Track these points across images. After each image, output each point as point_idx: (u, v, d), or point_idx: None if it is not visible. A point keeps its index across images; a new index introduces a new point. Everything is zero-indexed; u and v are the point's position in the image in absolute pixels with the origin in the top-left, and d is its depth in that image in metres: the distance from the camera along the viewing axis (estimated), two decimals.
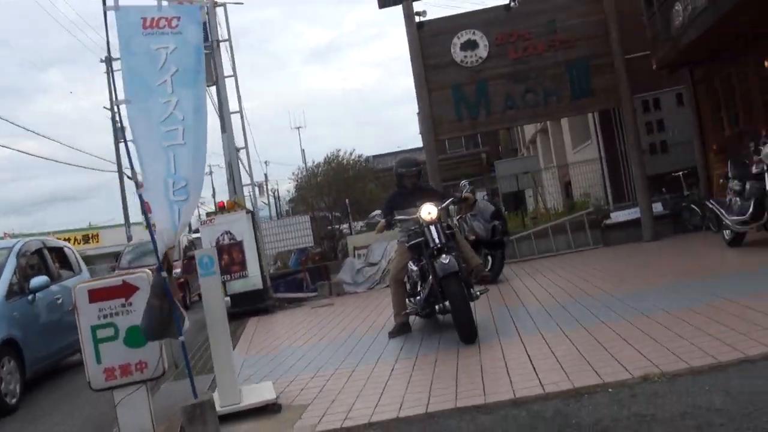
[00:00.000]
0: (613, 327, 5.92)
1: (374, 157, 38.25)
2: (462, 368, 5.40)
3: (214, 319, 5.25)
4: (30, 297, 8.38)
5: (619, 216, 14.59)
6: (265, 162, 66.15)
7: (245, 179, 14.58)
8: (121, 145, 35.89)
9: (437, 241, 6.80)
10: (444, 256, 6.63)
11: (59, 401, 7.72)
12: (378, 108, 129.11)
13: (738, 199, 9.59)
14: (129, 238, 32.43)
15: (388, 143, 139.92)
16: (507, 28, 14.00)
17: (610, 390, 4.18)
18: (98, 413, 6.54)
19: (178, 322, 4.64)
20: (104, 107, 36.38)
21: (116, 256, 23.97)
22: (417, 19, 14.20)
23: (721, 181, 10.87)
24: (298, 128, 74.51)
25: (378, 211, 8.03)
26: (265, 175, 48.63)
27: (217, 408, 4.82)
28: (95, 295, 4.96)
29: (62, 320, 8.94)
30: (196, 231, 16.38)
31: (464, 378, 5.09)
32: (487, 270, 10.26)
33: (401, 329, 7.41)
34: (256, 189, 14.67)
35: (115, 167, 35.27)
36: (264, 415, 5.00)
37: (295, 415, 4.86)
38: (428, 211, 6.98)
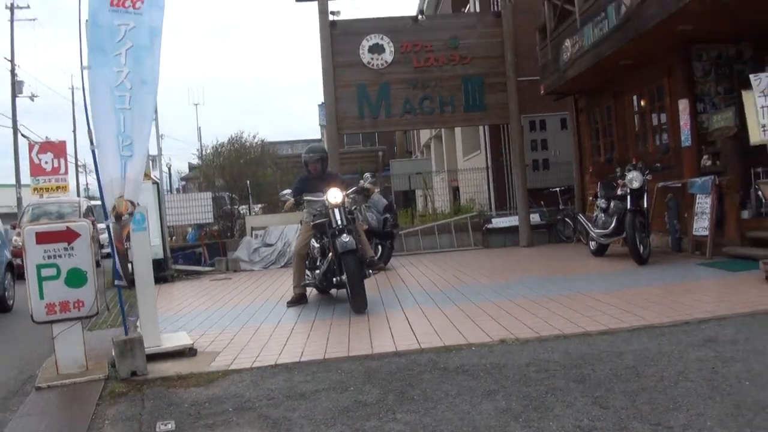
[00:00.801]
0: (482, 306, 7.04)
1: (270, 143, 38.69)
2: (353, 330, 6.37)
3: (141, 270, 6.01)
4: None
5: (499, 222, 15.88)
6: (161, 135, 65.36)
7: (151, 150, 15.06)
8: (19, 100, 35.27)
9: (339, 222, 7.62)
10: (345, 235, 7.47)
11: None
12: (276, 95, 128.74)
13: (603, 215, 10.95)
14: (19, 200, 31.88)
15: (284, 131, 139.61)
16: (412, 38, 15.04)
17: (473, 348, 5.24)
18: (29, 349, 7.14)
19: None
20: (5, 57, 35.32)
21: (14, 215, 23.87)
22: (330, 17, 15.04)
23: (590, 199, 12.25)
24: (196, 105, 73.89)
25: (288, 191, 8.73)
26: (160, 148, 48.23)
27: None
28: (41, 238, 5.60)
29: None
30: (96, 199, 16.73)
31: (355, 336, 6.06)
32: (378, 256, 11.36)
33: (299, 300, 8.30)
34: (151, 162, 14.92)
35: (8, 123, 34.43)
36: (182, 357, 5.78)
37: (210, 359, 5.67)
38: (334, 195, 7.79)
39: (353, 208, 12.33)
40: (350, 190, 8.47)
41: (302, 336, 6.32)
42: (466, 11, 19.74)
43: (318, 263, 8.33)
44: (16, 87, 35.19)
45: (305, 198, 8.36)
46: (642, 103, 12.30)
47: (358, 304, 7.31)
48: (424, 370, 4.71)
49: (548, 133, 17.39)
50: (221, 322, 7.52)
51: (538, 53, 14.79)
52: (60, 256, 5.58)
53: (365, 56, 15.00)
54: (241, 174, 18.54)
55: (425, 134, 30.26)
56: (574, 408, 3.66)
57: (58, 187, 30.99)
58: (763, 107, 7.56)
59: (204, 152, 23.88)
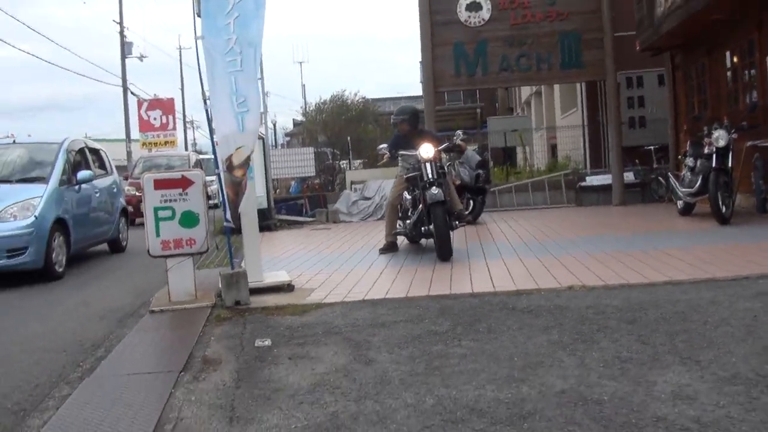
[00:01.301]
0: (560, 258, 7.47)
1: (373, 100, 39.49)
2: (436, 274, 6.93)
3: (248, 213, 6.75)
4: (76, 187, 9.83)
5: (593, 180, 16.03)
6: (266, 93, 67.19)
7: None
8: (128, 61, 37.06)
9: (431, 176, 8.10)
10: (435, 188, 7.96)
11: (100, 275, 9.26)
12: (380, 50, 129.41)
13: (690, 174, 11.07)
14: (128, 154, 33.74)
15: (387, 87, 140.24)
16: None
17: (542, 292, 5.73)
18: (141, 283, 8.05)
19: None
20: (113, 20, 37.13)
21: (124, 168, 25.45)
22: None
23: (679, 157, 12.33)
24: (301, 63, 75.25)
25: (385, 145, 9.38)
26: (265, 105, 49.78)
27: None
28: (159, 184, 6.36)
29: (98, 211, 10.51)
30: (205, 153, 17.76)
31: (437, 280, 6.62)
32: (468, 212, 11.85)
33: (390, 248, 8.91)
34: (265, 117, 15.86)
35: (118, 82, 36.28)
36: (280, 292, 6.48)
37: (305, 294, 6.35)
38: (427, 150, 8.26)
39: (447, 164, 12.92)
40: (442, 146, 8.99)
41: (389, 278, 6.93)
42: None
43: (409, 214, 8.89)
44: (125, 48, 36.98)
45: (400, 152, 8.92)
46: (734, 59, 12.22)
47: (444, 252, 7.82)
48: (494, 308, 5.23)
49: (645, 89, 17.31)
50: (318, 265, 8.21)
51: (635, 8, 14.74)
52: (175, 201, 6.33)
53: (462, 14, 15.27)
54: (343, 130, 19.28)
55: (526, 91, 30.30)
56: (618, 343, 4.12)
57: (166, 142, 32.64)
58: None
59: (307, 109, 24.71)
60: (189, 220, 6.33)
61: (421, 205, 8.33)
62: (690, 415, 3.00)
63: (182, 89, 54.18)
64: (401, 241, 9.29)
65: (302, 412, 3.34)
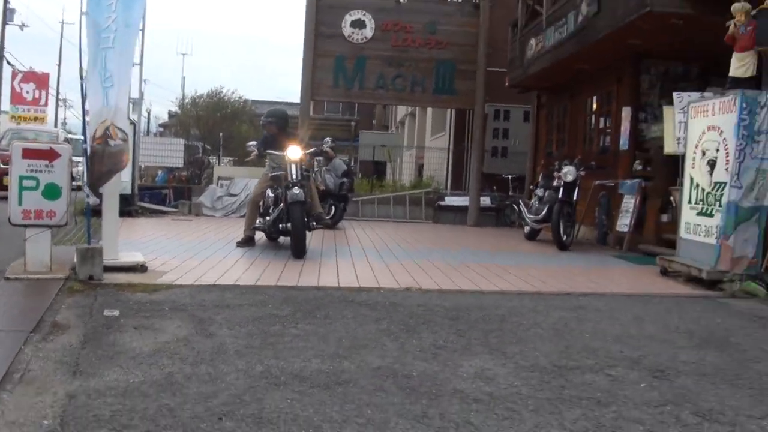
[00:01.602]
0: (405, 264, 7.99)
1: (254, 101, 39.45)
2: (287, 268, 7.28)
3: (110, 193, 6.88)
4: None
5: (452, 200, 16.79)
6: (144, 80, 65.66)
7: (133, 93, 15.76)
8: (8, 28, 35.48)
9: (295, 176, 8.48)
10: (296, 188, 8.33)
11: None
12: (267, 53, 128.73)
13: (538, 203, 11.93)
14: None
15: (269, 91, 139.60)
16: (394, 18, 15.81)
17: (382, 291, 6.19)
18: (11, 249, 7.97)
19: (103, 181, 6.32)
20: None
21: None
22: None
23: (531, 187, 13.22)
24: (184, 54, 73.96)
25: (254, 142, 9.67)
26: (142, 93, 48.62)
27: None
28: (27, 153, 6.39)
29: None
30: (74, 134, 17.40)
31: (287, 273, 6.97)
32: (329, 217, 12.26)
33: (247, 242, 9.17)
34: (132, 105, 15.60)
35: None
36: (134, 272, 6.63)
37: (158, 276, 6.53)
38: (294, 151, 8.66)
39: (314, 170, 13.30)
40: (309, 150, 9.32)
41: (242, 268, 7.22)
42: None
43: (270, 211, 9.19)
44: (7, 14, 35.45)
45: (268, 152, 9.21)
46: (594, 106, 13.26)
47: (298, 250, 8.18)
48: (334, 300, 5.64)
49: (511, 123, 18.36)
50: (174, 251, 8.36)
51: (509, 47, 15.68)
52: (41, 172, 6.36)
53: (347, 29, 15.75)
54: (216, 126, 19.33)
55: (402, 111, 31.15)
56: (438, 334, 4.60)
57: (36, 118, 31.37)
58: (680, 122, 8.54)
59: (183, 102, 24.56)
60: (52, 192, 6.39)
61: (282, 204, 8.65)
62: (485, 391, 3.49)
63: (59, 65, 52.07)
64: (260, 238, 9.57)
65: (141, 371, 3.61)
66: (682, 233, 8.20)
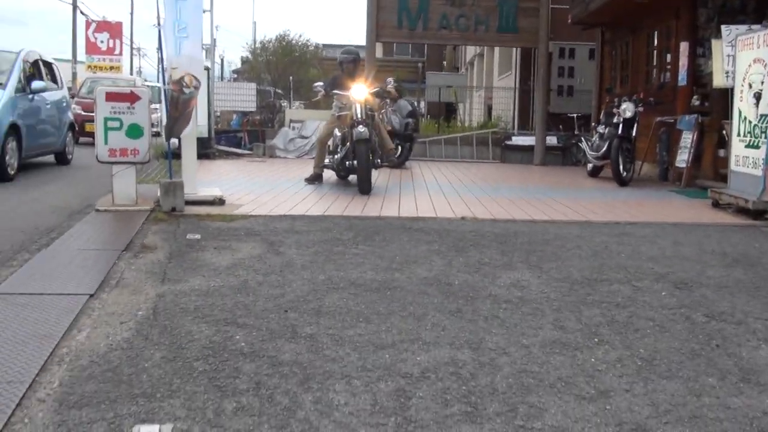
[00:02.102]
0: (465, 198, 8.45)
1: (324, 45, 39.93)
2: (354, 202, 7.82)
3: (188, 133, 7.51)
4: (30, 96, 10.38)
5: (518, 140, 17.05)
6: (216, 26, 66.75)
7: (205, 40, 16.41)
8: None
9: (359, 115, 8.79)
10: (361, 126, 8.66)
11: (48, 181, 9.87)
12: None
13: (599, 140, 12.17)
14: (74, 75, 33.60)
15: (341, 33, 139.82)
16: None
17: (437, 220, 6.68)
18: (85, 190, 8.75)
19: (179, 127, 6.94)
20: None
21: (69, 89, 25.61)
22: None
23: (593, 124, 13.42)
24: None
25: (320, 83, 10.10)
26: (214, 39, 49.56)
27: None
28: (109, 97, 7.05)
29: (48, 122, 11.10)
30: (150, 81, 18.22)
31: (352, 205, 7.52)
32: (397, 156, 12.75)
33: (316, 178, 9.74)
34: (205, 52, 16.21)
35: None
36: (212, 205, 7.27)
37: (234, 208, 7.16)
38: (358, 91, 8.97)
39: (382, 111, 13.75)
40: (373, 90, 9.63)
41: (311, 201, 7.79)
42: None
43: (338, 150, 9.71)
44: None
45: (334, 92, 9.56)
46: (654, 41, 13.29)
47: (364, 186, 8.67)
48: (393, 228, 6.15)
49: (576, 61, 18.39)
50: (249, 188, 9.01)
51: None
52: (123, 113, 7.01)
53: None
54: (286, 70, 19.86)
55: (471, 51, 31.16)
56: (483, 254, 5.09)
57: (111, 67, 32.34)
58: (728, 56, 8.67)
59: (255, 46, 25.16)
60: (135, 131, 7.03)
61: (348, 143, 9.15)
62: (516, 295, 3.98)
63: (132, 14, 53.65)
64: (331, 176, 10.11)
65: (220, 279, 4.21)
66: (733, 166, 8.41)
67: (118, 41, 32.76)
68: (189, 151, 7.63)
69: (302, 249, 5.12)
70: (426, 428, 2.29)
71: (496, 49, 23.03)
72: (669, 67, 12.44)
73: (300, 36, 22.79)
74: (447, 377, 2.72)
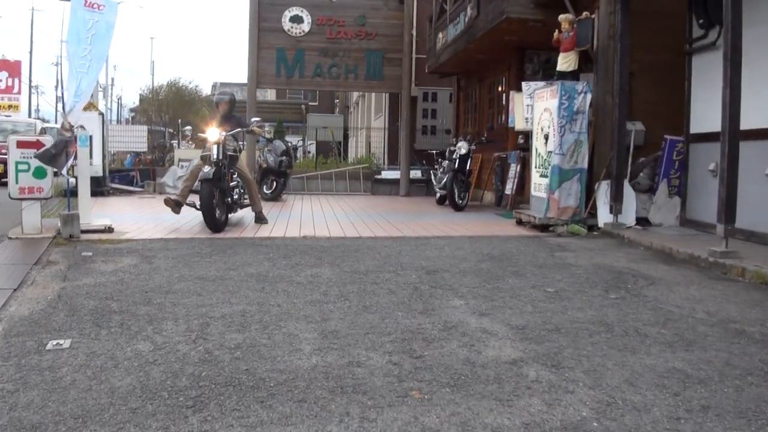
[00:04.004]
0: (317, 223, 10.33)
1: (221, 83, 41.58)
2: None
3: (82, 173, 9.15)
4: None
5: (387, 174, 19.14)
6: (114, 66, 67.21)
7: (102, 80, 17.94)
8: None
9: (215, 156, 9.26)
10: (207, 167, 9.15)
11: None
12: (231, 38, 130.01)
13: (441, 173, 14.32)
14: None
15: (235, 73, 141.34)
16: (327, 13, 18.04)
17: (282, 239, 8.52)
18: (6, 223, 10.20)
19: (67, 163, 8.54)
20: None
21: None
22: None
23: (438, 160, 15.59)
24: (152, 38, 75.08)
25: (189, 127, 11.14)
26: (112, 79, 50.43)
27: None
28: (20, 144, 8.59)
29: None
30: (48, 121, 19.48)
31: (214, 231, 9.27)
32: (271, 191, 14.57)
33: (176, 205, 9.89)
34: (101, 93, 17.45)
35: None
36: (103, 233, 8.89)
37: (122, 234, 8.81)
38: (212, 133, 9.42)
39: (260, 150, 15.55)
40: (231, 132, 9.85)
41: (186, 228, 9.51)
42: None
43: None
44: None
45: (198, 134, 10.24)
46: (494, 89, 15.63)
47: (208, 223, 9.06)
48: (245, 244, 7.97)
49: (438, 103, 20.73)
50: (136, 220, 10.63)
51: (427, 38, 17.99)
52: (31, 158, 8.61)
53: (286, 24, 17.94)
54: (177, 112, 21.47)
55: (355, 94, 33.42)
56: (303, 258, 6.97)
57: (9, 106, 32.82)
58: (528, 105, 10.91)
59: (148, 91, 26.67)
60: (40, 173, 8.60)
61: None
62: (310, 280, 5.84)
63: (30, 53, 53.68)
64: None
65: (104, 278, 5.92)
66: (532, 191, 10.61)
67: (17, 79, 33.36)
68: (84, 188, 9.25)
69: (168, 260, 6.87)
70: (215, 338, 4.08)
71: (371, 94, 25.25)
72: (501, 111, 14.75)
73: (190, 82, 24.50)
74: (236, 318, 4.55)
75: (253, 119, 11.90)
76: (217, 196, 9.15)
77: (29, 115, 40.33)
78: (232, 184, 9.82)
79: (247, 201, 10.24)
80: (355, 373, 3.44)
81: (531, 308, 4.95)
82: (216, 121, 9.93)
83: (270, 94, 39.92)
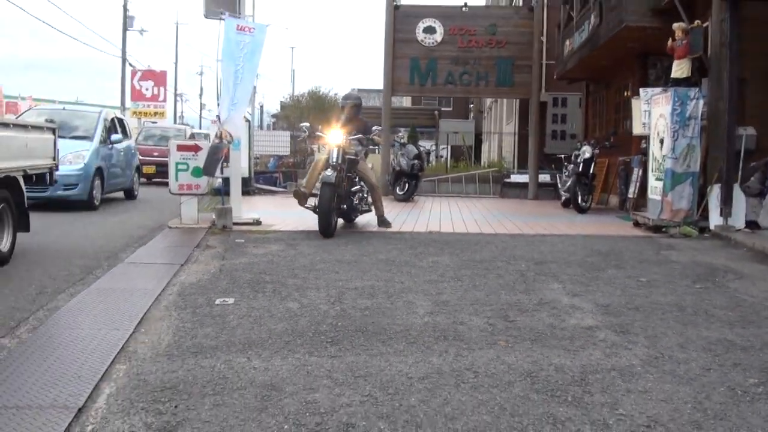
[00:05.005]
0: (443, 220, 11.18)
1: (359, 90, 43.20)
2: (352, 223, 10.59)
3: (234, 173, 10.38)
4: (110, 146, 13.43)
5: (516, 178, 19.74)
6: (257, 75, 70.55)
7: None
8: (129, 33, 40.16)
9: (334, 159, 9.16)
10: (329, 170, 8.98)
11: (124, 211, 12.85)
12: (367, 47, 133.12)
13: (566, 177, 14.85)
14: None
15: (371, 80, 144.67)
16: (459, 23, 18.83)
17: (411, 232, 9.42)
18: (154, 217, 11.65)
19: (221, 168, 9.76)
20: None
21: None
22: (394, 2, 18.97)
23: (564, 164, 16.08)
24: (292, 48, 78.25)
25: (306, 124, 10.46)
26: (255, 87, 52.95)
27: None
28: (179, 147, 9.94)
29: (120, 166, 14.14)
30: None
31: (348, 226, 10.28)
32: (403, 192, 15.57)
33: (301, 196, 9.95)
34: (253, 100, 19.13)
35: (108, 47, 39.33)
36: (252, 225, 10.08)
37: (268, 226, 9.95)
38: (334, 136, 9.37)
39: (396, 153, 16.56)
40: (354, 137, 9.65)
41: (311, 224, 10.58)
42: (505, 4, 23.48)
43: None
44: (127, 21, 40.11)
45: (315, 134, 10.00)
46: (619, 94, 16.00)
47: (321, 226, 8.79)
48: (376, 235, 8.93)
49: (568, 109, 21.14)
50: (280, 215, 11.81)
51: (557, 45, 18.52)
52: (189, 159, 9.88)
53: (420, 35, 18.87)
54: (316, 119, 22.85)
55: (488, 100, 34.09)
56: (427, 249, 7.83)
57: (155, 113, 35.13)
58: (645, 111, 11.36)
59: (289, 99, 28.40)
60: (197, 172, 9.89)
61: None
62: (430, 265, 6.69)
63: (176, 63, 57.37)
64: None
65: (256, 258, 6.99)
66: (649, 194, 11.05)
67: (162, 88, 35.74)
68: (235, 186, 10.49)
69: (310, 247, 7.91)
70: (348, 302, 4.99)
71: (504, 99, 25.86)
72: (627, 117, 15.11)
73: (329, 90, 26.02)
74: (366, 290, 5.47)
75: (375, 128, 12.30)
76: (335, 201, 8.98)
77: (174, 122, 43.24)
78: (353, 188, 9.77)
79: (365, 207, 10.11)
80: (457, 329, 4.28)
81: (620, 292, 5.61)
82: (339, 123, 9.77)
83: (405, 101, 41.15)
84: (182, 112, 63.23)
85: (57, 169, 8.51)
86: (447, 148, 26.60)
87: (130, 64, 39.09)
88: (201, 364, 3.50)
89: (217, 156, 9.82)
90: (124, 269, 6.41)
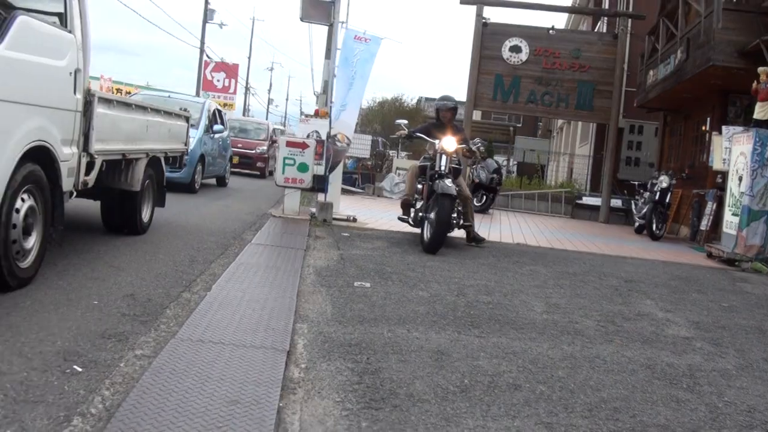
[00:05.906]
0: (525, 234, 11.76)
1: (429, 99, 44.06)
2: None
3: (336, 175, 11.12)
4: (211, 135, 14.32)
5: (588, 200, 20.17)
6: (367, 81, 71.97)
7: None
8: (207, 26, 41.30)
9: (443, 168, 8.44)
10: (449, 180, 8.22)
11: (221, 197, 13.69)
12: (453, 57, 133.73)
13: (642, 204, 15.29)
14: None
15: (449, 90, 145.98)
16: (545, 45, 19.36)
17: (499, 242, 10.03)
18: (252, 204, 12.45)
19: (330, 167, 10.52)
20: None
21: None
22: (483, 20, 19.61)
23: (640, 191, 16.50)
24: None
25: (405, 121, 9.76)
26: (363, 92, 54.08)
27: None
28: (288, 144, 10.70)
29: (217, 154, 15.04)
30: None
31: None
32: (481, 204, 16.16)
33: (407, 206, 9.45)
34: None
35: (186, 36, 40.35)
36: (348, 221, 10.80)
37: (363, 224, 10.67)
38: (448, 142, 8.59)
39: (479, 166, 17.19)
40: (462, 146, 9.14)
41: (400, 227, 11.26)
42: (591, 30, 23.90)
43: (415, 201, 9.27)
44: (207, 14, 41.26)
45: (419, 135, 9.28)
46: (698, 127, 16.38)
47: (432, 245, 8.11)
48: (463, 244, 9.55)
49: (644, 137, 21.50)
50: (369, 214, 12.54)
51: (638, 73, 18.94)
52: (296, 155, 10.63)
53: (505, 53, 19.45)
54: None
55: (560, 120, 34.48)
56: (521, 258, 8.44)
57: (225, 104, 35.83)
58: (726, 147, 11.80)
59: (372, 104, 29.27)
60: (303, 168, 10.64)
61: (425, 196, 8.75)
62: (529, 273, 7.31)
63: (249, 58, 58.72)
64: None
65: (368, 251, 7.68)
66: (724, 228, 11.47)
67: (233, 81, 36.63)
68: (336, 185, 11.24)
69: (411, 245, 8.58)
70: (471, 296, 5.63)
71: (578, 122, 26.29)
72: (704, 149, 15.50)
73: (412, 99, 26.85)
74: (482, 287, 6.11)
75: (476, 139, 12.97)
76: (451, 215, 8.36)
77: (243, 113, 44.30)
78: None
79: (460, 220, 9.14)
80: (575, 327, 4.91)
81: (706, 313, 6.17)
82: (446, 128, 9.13)
83: (476, 114, 41.63)
84: (249, 105, 64.63)
85: (187, 154, 9.34)
86: (515, 164, 27.18)
87: (208, 57, 40.25)
88: (370, 331, 4.19)
89: (338, 159, 10.55)
90: (255, 249, 7.16)
